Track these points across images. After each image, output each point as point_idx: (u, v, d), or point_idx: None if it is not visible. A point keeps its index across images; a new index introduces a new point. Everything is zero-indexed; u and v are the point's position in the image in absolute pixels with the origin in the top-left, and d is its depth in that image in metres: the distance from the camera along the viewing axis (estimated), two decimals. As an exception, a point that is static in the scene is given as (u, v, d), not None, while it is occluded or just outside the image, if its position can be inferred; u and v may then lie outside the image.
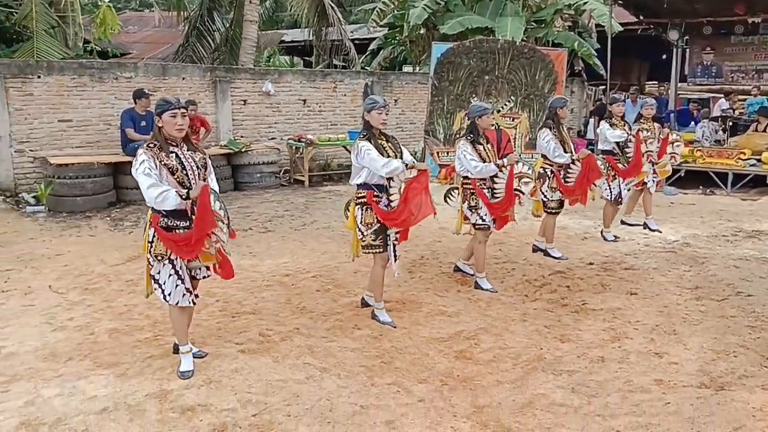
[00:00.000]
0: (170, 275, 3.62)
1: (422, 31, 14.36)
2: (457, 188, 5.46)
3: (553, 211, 6.22)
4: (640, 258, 6.24)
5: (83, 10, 13.45)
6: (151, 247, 3.61)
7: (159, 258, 3.61)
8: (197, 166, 3.64)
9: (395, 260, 4.55)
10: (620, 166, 6.76)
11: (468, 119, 5.33)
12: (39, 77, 8.81)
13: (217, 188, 3.69)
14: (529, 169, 5.24)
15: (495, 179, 5.15)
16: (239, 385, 3.57)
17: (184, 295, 3.66)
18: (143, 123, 8.63)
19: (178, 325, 3.78)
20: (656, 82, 16.96)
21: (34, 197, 8.44)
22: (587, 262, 6.11)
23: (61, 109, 9.01)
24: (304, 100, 11.60)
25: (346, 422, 3.23)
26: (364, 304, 4.84)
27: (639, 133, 6.81)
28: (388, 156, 4.38)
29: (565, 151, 5.99)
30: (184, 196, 3.46)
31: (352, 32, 17.78)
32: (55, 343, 4.19)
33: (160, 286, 3.65)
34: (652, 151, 7.09)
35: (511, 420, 3.29)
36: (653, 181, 7.33)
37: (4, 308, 4.86)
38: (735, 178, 10.28)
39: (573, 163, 6.00)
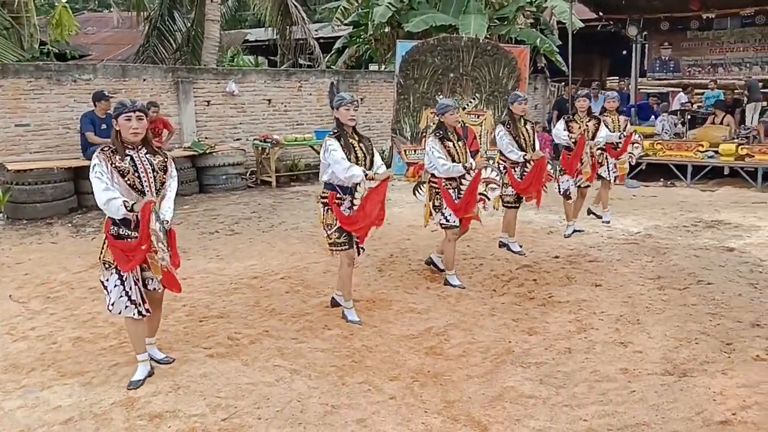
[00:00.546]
0: (116, 285, 3.53)
1: (387, 29, 14.37)
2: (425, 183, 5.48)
3: (510, 205, 6.27)
4: (603, 250, 6.36)
5: (38, 11, 13.13)
6: (101, 253, 3.57)
7: (107, 266, 3.55)
8: (154, 170, 3.55)
9: (358, 254, 4.59)
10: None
11: (436, 117, 5.38)
12: (-7, 81, 8.56)
13: (173, 191, 3.65)
14: (497, 175, 5.28)
15: (462, 180, 5.19)
16: (208, 390, 3.53)
17: (127, 306, 3.54)
18: (104, 126, 8.42)
19: (131, 334, 3.71)
20: (617, 78, 17.29)
21: (-9, 204, 8.19)
22: (553, 255, 6.21)
23: (18, 113, 8.76)
24: (269, 100, 11.51)
25: (317, 423, 3.22)
26: (334, 303, 4.83)
27: (583, 136, 6.82)
28: (357, 156, 4.37)
29: (522, 148, 6.07)
30: (128, 208, 3.37)
31: (316, 31, 17.71)
32: (17, 354, 4.07)
33: (108, 294, 3.58)
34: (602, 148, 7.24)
35: (481, 413, 3.32)
36: (612, 175, 7.45)
37: (-38, 320, 4.71)
38: (694, 170, 10.57)
39: (527, 163, 6.06)
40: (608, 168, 7.36)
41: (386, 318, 4.68)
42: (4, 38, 10.27)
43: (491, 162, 5.85)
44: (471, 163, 5.18)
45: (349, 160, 4.34)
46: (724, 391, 3.43)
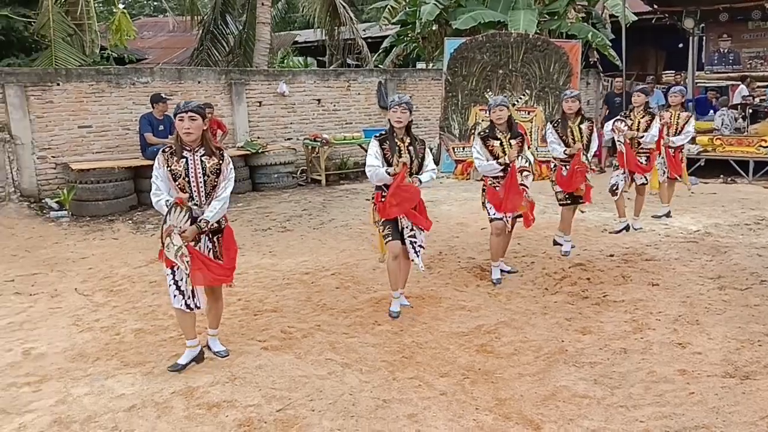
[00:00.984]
0: (167, 277, 3.73)
1: (434, 27, 14.33)
2: None
3: (562, 203, 6.17)
4: (661, 249, 6.19)
5: (99, 17, 13.64)
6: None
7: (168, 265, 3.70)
8: (206, 173, 3.68)
9: (416, 254, 4.59)
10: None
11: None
12: (58, 85, 8.96)
13: (225, 193, 3.74)
14: (527, 162, 5.28)
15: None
16: (263, 381, 3.62)
17: (175, 296, 3.72)
18: (161, 127, 8.74)
19: (179, 323, 3.92)
20: (673, 72, 16.74)
21: (57, 202, 8.59)
22: (608, 254, 6.08)
23: (81, 116, 9.16)
24: (319, 100, 11.65)
25: (369, 416, 3.26)
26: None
27: (627, 143, 6.70)
28: (401, 157, 4.43)
29: (567, 145, 5.99)
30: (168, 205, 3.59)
31: (364, 31, 17.81)
32: (83, 344, 4.27)
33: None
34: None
35: (533, 412, 3.30)
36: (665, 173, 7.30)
37: (33, 311, 4.97)
38: (756, 166, 10.14)
39: (570, 157, 5.97)
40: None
41: (436, 315, 4.68)
42: (68, 44, 10.71)
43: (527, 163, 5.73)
44: (504, 158, 5.19)
45: (390, 162, 4.44)
46: (791, 394, 3.30)
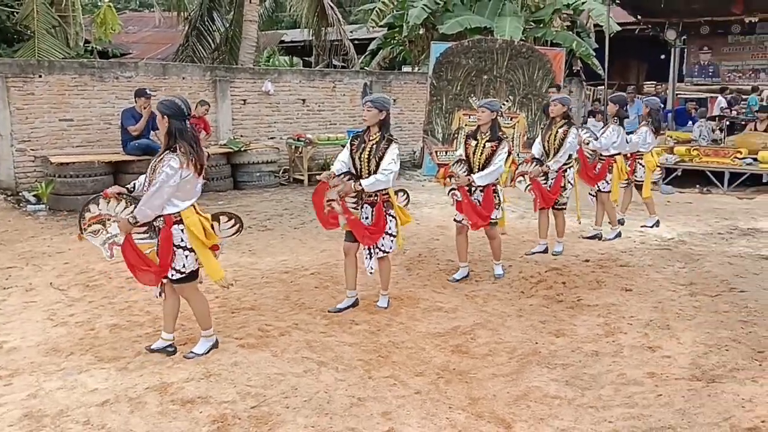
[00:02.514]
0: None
1: (421, 31, 14.42)
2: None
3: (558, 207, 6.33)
4: (635, 255, 6.30)
5: (84, 10, 13.52)
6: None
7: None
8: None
9: (369, 257, 4.68)
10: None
11: None
12: (40, 77, 8.87)
13: (150, 189, 3.71)
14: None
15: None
16: (238, 378, 3.63)
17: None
18: (143, 122, 8.69)
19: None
20: (654, 82, 17.03)
21: (34, 196, 8.50)
22: (583, 259, 6.17)
23: (62, 109, 9.07)
24: (304, 100, 11.66)
25: (343, 414, 3.29)
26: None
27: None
28: (360, 157, 4.58)
29: (546, 151, 6.18)
30: None
31: (351, 32, 17.84)
32: (57, 338, 4.24)
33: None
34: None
35: (505, 411, 3.35)
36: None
37: (6, 305, 4.92)
38: (731, 177, 10.34)
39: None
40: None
41: (413, 315, 4.73)
42: (51, 36, 10.63)
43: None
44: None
45: (355, 159, 4.59)
46: (754, 398, 3.38)
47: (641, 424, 3.18)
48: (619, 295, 5.14)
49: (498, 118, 5.39)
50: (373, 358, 3.98)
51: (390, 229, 4.64)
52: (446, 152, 10.36)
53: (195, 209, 3.79)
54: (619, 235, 6.95)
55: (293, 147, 10.96)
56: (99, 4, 13.14)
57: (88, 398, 3.41)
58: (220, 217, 3.90)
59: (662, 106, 13.71)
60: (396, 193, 4.74)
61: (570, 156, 6.22)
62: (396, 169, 4.53)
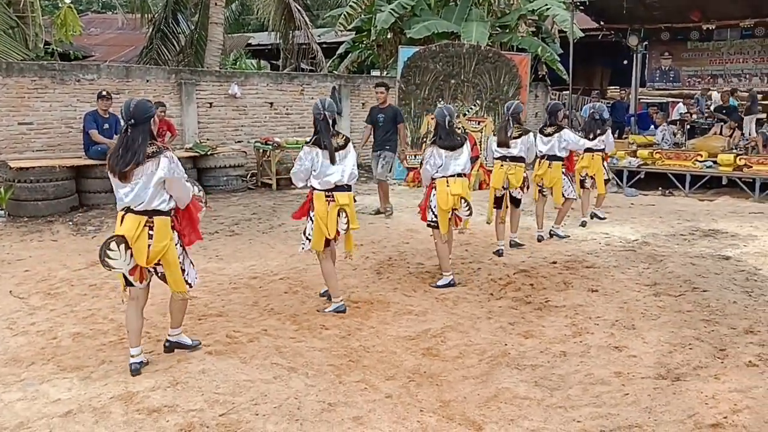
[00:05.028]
0: (190, 263, 3.98)
1: (389, 35, 14.48)
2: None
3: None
4: (601, 256, 6.41)
5: (44, 11, 13.21)
6: (182, 246, 3.87)
7: (186, 252, 3.92)
8: None
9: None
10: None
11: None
12: (-2, 79, 8.61)
13: None
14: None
15: None
16: (206, 386, 3.57)
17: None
18: (106, 125, 8.52)
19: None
20: (618, 87, 17.41)
21: (-7, 202, 8.24)
22: (550, 261, 6.25)
23: (22, 112, 8.82)
24: (271, 103, 11.57)
25: (314, 419, 3.26)
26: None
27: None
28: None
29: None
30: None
31: (319, 36, 17.81)
32: (17, 348, 4.11)
33: (188, 277, 3.90)
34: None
35: (476, 413, 3.36)
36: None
37: (-37, 314, 4.74)
38: (692, 179, 10.61)
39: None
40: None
41: (384, 319, 4.72)
42: (9, 37, 10.32)
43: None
44: None
45: None
46: (717, 395, 3.47)
47: (609, 423, 3.23)
48: (585, 295, 5.22)
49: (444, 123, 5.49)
50: (343, 362, 3.96)
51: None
52: (415, 156, 10.38)
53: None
54: (567, 236, 7.20)
55: (261, 151, 10.85)
56: (59, 5, 12.81)
57: (51, 409, 3.31)
58: None
59: (626, 109, 14.06)
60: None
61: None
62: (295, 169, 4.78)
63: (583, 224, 7.81)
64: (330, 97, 12.35)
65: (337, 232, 4.69)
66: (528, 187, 6.61)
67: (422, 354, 4.13)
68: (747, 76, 13.31)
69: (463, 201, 5.37)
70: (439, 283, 5.47)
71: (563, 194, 6.98)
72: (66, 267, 5.97)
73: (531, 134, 6.49)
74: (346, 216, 4.68)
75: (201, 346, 4.08)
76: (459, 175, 5.42)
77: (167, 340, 4.04)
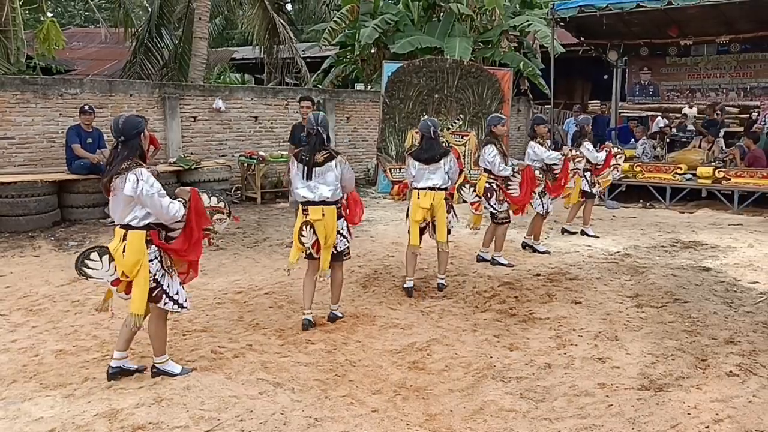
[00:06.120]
0: (179, 283, 3.82)
1: (373, 50, 14.60)
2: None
3: (503, 221, 6.54)
4: (583, 269, 6.48)
5: (26, 25, 13.12)
6: (161, 263, 3.68)
7: (169, 271, 3.73)
8: None
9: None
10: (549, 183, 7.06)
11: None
12: (-22, 93, 8.53)
13: None
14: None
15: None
16: (191, 402, 3.54)
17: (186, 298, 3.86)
18: (89, 140, 8.47)
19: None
20: (598, 101, 17.67)
21: (-28, 217, 8.11)
22: (534, 273, 6.31)
23: (3, 126, 8.73)
24: (256, 117, 11.58)
25: (300, 435, 3.25)
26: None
27: (567, 159, 7.26)
28: None
29: (506, 165, 6.41)
30: (184, 204, 3.75)
31: (303, 50, 17.88)
32: (-3, 366, 4.05)
33: (172, 299, 3.74)
34: (579, 169, 7.71)
35: (462, 426, 3.37)
36: (597, 191, 8.05)
37: (-59, 332, 4.67)
38: (673, 192, 10.78)
39: (513, 175, 6.42)
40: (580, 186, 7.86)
41: (370, 333, 4.72)
42: (-10, 51, 10.26)
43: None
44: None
45: None
46: (699, 405, 3.52)
47: (593, 434, 3.26)
48: (569, 307, 5.27)
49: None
50: (329, 377, 3.95)
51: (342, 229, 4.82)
52: (400, 169, 10.44)
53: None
54: (547, 252, 7.19)
55: (245, 165, 10.84)
56: (42, 18, 12.73)
57: (33, 428, 3.27)
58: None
59: (607, 122, 14.26)
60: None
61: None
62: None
63: (563, 231, 8.16)
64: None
65: (315, 246, 4.68)
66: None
67: (408, 367, 4.14)
68: (724, 90, 13.60)
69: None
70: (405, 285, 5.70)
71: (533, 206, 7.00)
72: (48, 283, 5.90)
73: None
74: (313, 231, 4.64)
75: (191, 372, 3.92)
76: (432, 188, 5.48)
77: (154, 366, 3.89)
